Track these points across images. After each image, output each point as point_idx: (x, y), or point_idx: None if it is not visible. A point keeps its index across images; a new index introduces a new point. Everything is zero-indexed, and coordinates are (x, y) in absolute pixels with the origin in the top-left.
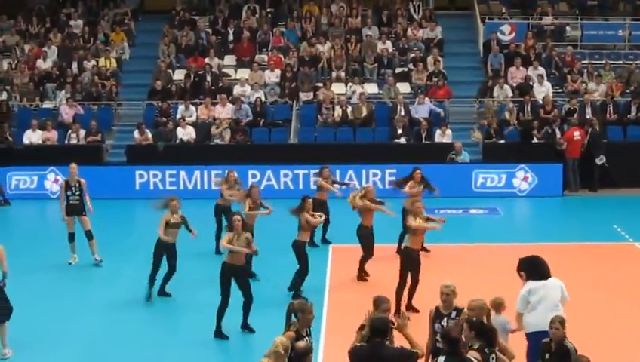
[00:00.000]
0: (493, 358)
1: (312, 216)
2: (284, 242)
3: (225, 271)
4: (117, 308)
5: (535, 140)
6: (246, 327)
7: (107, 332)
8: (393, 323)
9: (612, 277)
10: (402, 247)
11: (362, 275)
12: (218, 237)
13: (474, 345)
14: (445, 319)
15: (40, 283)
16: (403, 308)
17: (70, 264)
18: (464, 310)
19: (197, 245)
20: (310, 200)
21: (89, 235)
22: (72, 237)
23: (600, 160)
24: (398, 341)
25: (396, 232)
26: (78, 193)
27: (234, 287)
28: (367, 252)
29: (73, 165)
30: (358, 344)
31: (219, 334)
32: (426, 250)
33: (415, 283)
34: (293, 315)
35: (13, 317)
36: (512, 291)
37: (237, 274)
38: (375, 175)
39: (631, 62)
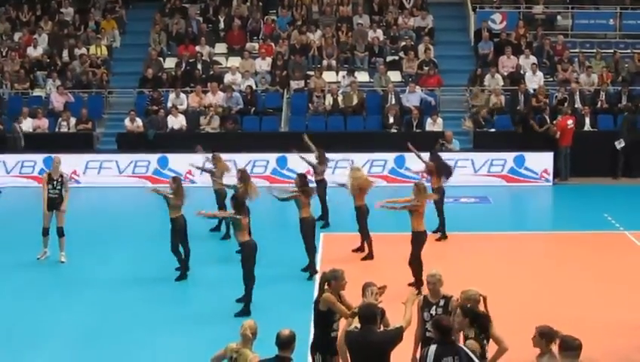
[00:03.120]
0: (486, 345)
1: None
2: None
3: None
4: (116, 289)
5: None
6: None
7: (105, 313)
8: (383, 311)
9: (602, 265)
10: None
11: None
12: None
13: (469, 334)
14: (434, 307)
15: (33, 269)
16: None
17: (38, 259)
18: (452, 298)
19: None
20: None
21: (60, 232)
22: (45, 231)
23: (619, 143)
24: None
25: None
26: (58, 187)
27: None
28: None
29: (57, 157)
30: (351, 328)
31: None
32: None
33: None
34: (326, 284)
35: (11, 301)
36: (503, 279)
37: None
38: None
39: (621, 51)
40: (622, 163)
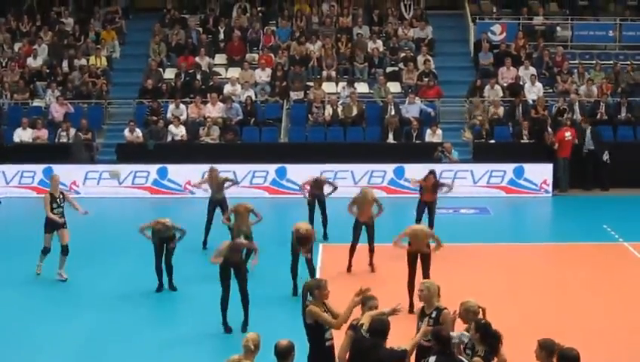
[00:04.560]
0: None
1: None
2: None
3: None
4: (111, 305)
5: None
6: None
7: (103, 329)
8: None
9: (601, 277)
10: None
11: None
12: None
13: (478, 351)
14: (427, 318)
15: (30, 281)
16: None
17: (38, 274)
18: (444, 310)
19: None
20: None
21: (65, 250)
22: (47, 250)
23: (606, 155)
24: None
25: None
26: (62, 205)
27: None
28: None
29: (56, 175)
30: (363, 333)
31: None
32: None
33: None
34: (308, 294)
35: (8, 313)
36: (503, 290)
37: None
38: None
39: (621, 62)
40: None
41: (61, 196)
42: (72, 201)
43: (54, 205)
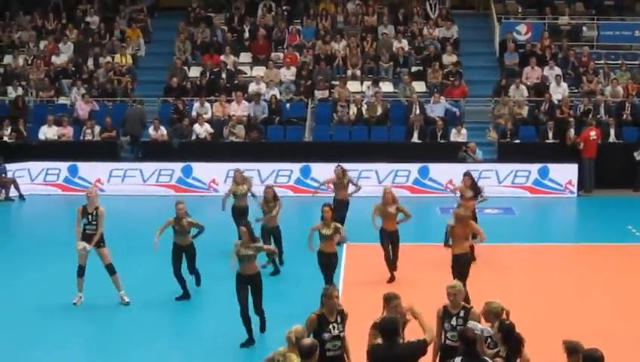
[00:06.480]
0: None
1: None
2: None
3: (239, 281)
4: (130, 308)
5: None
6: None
7: (120, 332)
8: (404, 321)
9: (626, 278)
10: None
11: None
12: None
13: (500, 351)
14: (454, 318)
15: (48, 281)
16: None
17: (75, 304)
18: (472, 309)
19: (218, 244)
20: (328, 208)
21: (110, 270)
22: (82, 271)
23: (639, 154)
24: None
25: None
26: (94, 222)
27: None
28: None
29: (92, 190)
30: (375, 343)
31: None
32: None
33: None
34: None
35: (21, 315)
36: (527, 290)
37: (250, 283)
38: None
39: None
40: None
41: (94, 212)
42: (99, 225)
43: (85, 221)
